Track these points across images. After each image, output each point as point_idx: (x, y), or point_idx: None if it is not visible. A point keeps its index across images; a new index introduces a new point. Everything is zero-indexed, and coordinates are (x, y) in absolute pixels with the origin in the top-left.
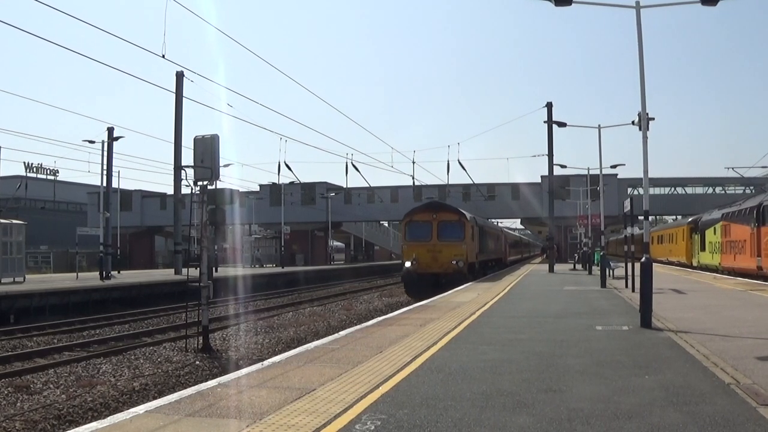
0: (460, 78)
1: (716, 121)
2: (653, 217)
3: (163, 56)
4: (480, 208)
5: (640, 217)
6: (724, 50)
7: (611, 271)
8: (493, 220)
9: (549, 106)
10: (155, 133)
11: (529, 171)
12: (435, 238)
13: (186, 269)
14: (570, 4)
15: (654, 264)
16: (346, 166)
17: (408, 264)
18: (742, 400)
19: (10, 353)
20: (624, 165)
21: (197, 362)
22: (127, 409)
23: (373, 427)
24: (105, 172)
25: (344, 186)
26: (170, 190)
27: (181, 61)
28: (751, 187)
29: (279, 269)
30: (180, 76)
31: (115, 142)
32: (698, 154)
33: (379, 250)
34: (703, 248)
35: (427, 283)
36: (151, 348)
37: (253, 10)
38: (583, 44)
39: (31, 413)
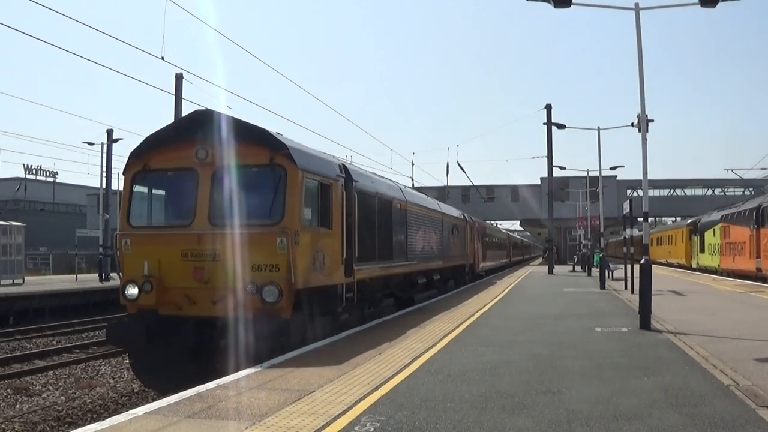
0: (459, 79)
1: (716, 123)
2: (652, 218)
3: (162, 58)
4: (479, 210)
5: (640, 219)
6: (723, 52)
7: (610, 273)
8: (492, 222)
9: (548, 107)
10: None
11: (529, 173)
12: (205, 216)
13: None
14: (569, 6)
15: (653, 266)
16: None
17: (131, 291)
18: (742, 401)
19: (9, 355)
20: (623, 166)
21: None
22: (127, 410)
23: (372, 429)
24: (104, 173)
25: None
26: None
27: (181, 62)
28: (751, 189)
29: None
30: (179, 77)
31: (114, 144)
32: (698, 156)
33: None
34: (702, 250)
35: (182, 345)
36: None
37: (251, 12)
38: (582, 46)
39: (30, 415)
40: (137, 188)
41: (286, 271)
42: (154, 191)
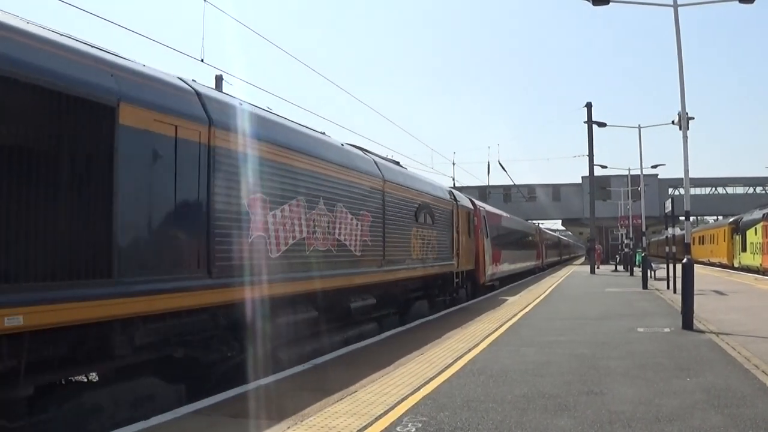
0: (499, 78)
1: (757, 120)
2: (694, 217)
3: (202, 60)
4: (521, 210)
5: (681, 218)
6: (764, 47)
7: (653, 273)
8: (534, 222)
9: (588, 106)
10: None
11: (570, 172)
12: None
13: None
14: (608, 3)
15: (695, 265)
16: None
17: None
18: None
19: None
20: (664, 165)
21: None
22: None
23: (414, 429)
24: None
25: None
26: None
27: (220, 64)
28: None
29: None
30: (219, 79)
31: None
32: (739, 154)
33: None
34: (744, 249)
35: None
36: None
37: (290, 11)
38: (622, 44)
39: None
40: None
41: None
42: None
